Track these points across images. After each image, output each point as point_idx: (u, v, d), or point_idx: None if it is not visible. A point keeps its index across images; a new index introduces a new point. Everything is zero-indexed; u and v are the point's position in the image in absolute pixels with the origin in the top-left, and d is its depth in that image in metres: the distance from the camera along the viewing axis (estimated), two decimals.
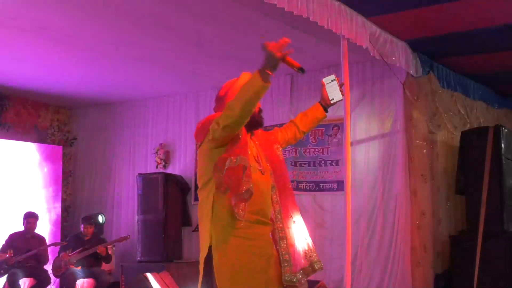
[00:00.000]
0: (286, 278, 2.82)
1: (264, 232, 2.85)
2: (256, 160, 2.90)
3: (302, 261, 2.86)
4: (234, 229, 2.71)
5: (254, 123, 2.94)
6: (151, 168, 8.56)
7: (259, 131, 3.07)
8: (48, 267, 7.34)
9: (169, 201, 7.89)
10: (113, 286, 7.70)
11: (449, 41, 6.10)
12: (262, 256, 2.79)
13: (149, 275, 6.70)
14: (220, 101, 2.96)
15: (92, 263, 7.23)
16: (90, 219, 7.67)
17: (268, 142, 3.06)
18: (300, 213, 3.01)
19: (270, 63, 2.55)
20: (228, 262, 2.71)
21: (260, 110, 2.98)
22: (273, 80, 8.66)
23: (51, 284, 7.33)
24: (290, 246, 2.88)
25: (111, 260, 7.57)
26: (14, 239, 7.27)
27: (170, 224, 7.81)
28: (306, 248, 2.90)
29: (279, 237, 2.89)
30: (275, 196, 2.93)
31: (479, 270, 5.95)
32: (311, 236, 2.98)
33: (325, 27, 4.80)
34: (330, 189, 6.86)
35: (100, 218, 8.57)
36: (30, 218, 7.39)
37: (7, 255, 6.98)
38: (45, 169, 8.89)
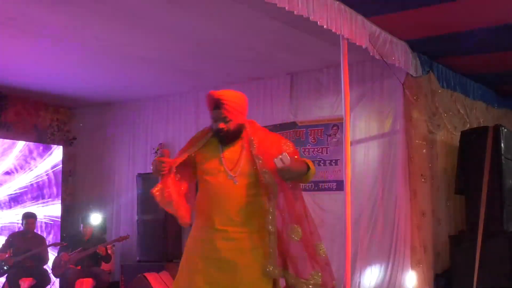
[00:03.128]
0: None
1: (211, 237, 2.97)
2: (227, 165, 2.95)
3: None
4: (193, 227, 3.12)
5: (221, 138, 3.02)
6: (151, 168, 8.53)
7: (260, 133, 3.04)
8: (48, 267, 7.34)
9: None
10: (113, 286, 7.70)
11: (449, 41, 6.10)
12: (205, 258, 2.95)
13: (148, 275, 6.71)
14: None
15: (92, 263, 7.22)
16: (90, 219, 7.67)
17: (274, 149, 2.94)
18: None
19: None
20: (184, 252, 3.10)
21: (221, 129, 2.97)
22: (273, 80, 8.55)
23: (51, 284, 7.33)
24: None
25: (111, 260, 7.55)
26: (13, 239, 7.26)
27: (170, 224, 7.78)
28: None
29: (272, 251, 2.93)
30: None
31: (479, 270, 5.95)
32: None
33: (325, 27, 4.80)
34: (329, 189, 6.86)
35: (100, 218, 8.56)
36: (29, 219, 7.37)
37: (7, 255, 6.98)
38: (45, 169, 8.89)
